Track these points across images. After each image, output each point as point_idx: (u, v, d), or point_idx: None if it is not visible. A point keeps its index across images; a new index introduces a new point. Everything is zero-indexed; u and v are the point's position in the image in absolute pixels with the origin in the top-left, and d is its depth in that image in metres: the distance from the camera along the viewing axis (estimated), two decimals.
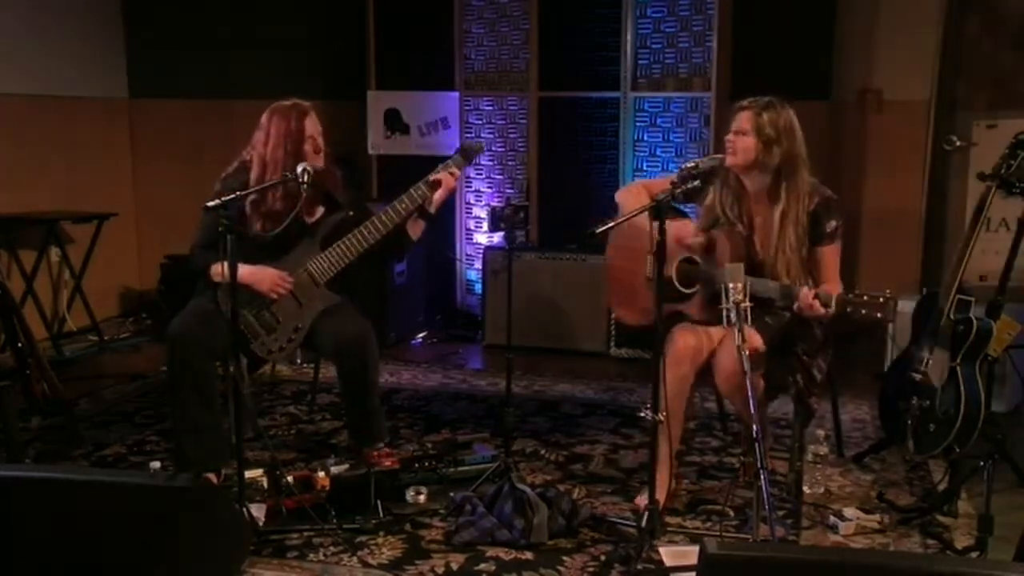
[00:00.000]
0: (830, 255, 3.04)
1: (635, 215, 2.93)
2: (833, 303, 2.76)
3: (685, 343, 3.02)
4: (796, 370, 3.03)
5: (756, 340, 2.82)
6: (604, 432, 3.86)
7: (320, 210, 3.32)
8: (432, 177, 3.28)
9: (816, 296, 2.79)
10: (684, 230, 3.14)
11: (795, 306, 2.85)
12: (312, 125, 3.23)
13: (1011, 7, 4.92)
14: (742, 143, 2.99)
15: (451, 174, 3.29)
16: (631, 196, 3.21)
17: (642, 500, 3.06)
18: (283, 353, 3.28)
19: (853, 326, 2.80)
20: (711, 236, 3.09)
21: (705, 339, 3.06)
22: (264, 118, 3.24)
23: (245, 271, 3.07)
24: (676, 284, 3.09)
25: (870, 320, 2.70)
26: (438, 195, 3.29)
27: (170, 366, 3.16)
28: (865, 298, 2.70)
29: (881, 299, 2.67)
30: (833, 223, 3.02)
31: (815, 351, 3.08)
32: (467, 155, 3.42)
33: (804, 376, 3.04)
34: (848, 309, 2.74)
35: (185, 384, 3.11)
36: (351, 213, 3.30)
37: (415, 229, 3.38)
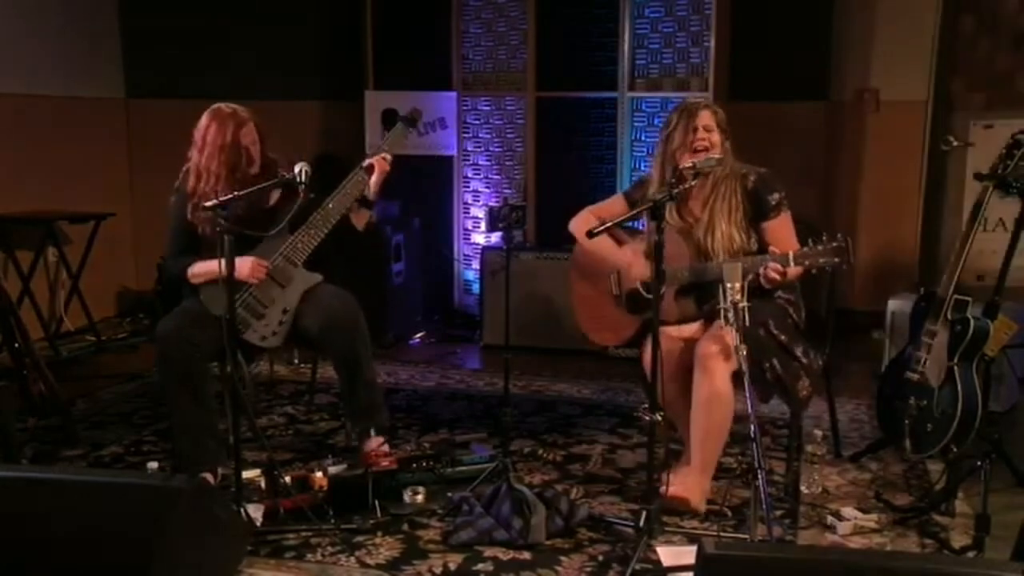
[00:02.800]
0: (780, 227, 3.06)
1: (634, 215, 2.95)
2: (791, 259, 2.82)
3: (663, 348, 2.99)
4: (772, 352, 3.00)
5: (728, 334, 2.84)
6: (602, 432, 3.86)
7: (276, 193, 3.32)
8: (366, 163, 3.33)
9: (771, 263, 2.85)
10: (635, 247, 3.25)
11: (760, 277, 2.88)
12: (247, 136, 3.24)
13: (1007, 7, 4.93)
14: (712, 139, 3.05)
15: (383, 158, 3.33)
16: (583, 222, 3.25)
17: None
18: (276, 338, 3.27)
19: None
20: (651, 242, 3.08)
21: (678, 341, 3.08)
22: (203, 121, 3.27)
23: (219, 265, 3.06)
24: (643, 292, 3.12)
25: (831, 266, 2.78)
26: (374, 180, 3.33)
27: (160, 367, 3.16)
28: (820, 247, 2.77)
29: (835, 244, 2.74)
30: (776, 195, 3.06)
31: (792, 332, 3.06)
32: (409, 123, 3.46)
33: (782, 357, 3.01)
34: (806, 262, 2.81)
35: (177, 385, 3.11)
36: (312, 195, 3.28)
37: (359, 220, 3.40)
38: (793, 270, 2.88)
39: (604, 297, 3.29)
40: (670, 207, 3.07)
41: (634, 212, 2.95)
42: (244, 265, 3.15)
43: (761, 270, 2.87)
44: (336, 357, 3.33)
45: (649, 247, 3.10)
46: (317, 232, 3.28)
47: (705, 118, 3.04)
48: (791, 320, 3.09)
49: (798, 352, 3.05)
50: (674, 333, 3.10)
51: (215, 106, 3.29)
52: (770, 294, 3.06)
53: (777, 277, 2.85)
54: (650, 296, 3.06)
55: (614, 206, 3.29)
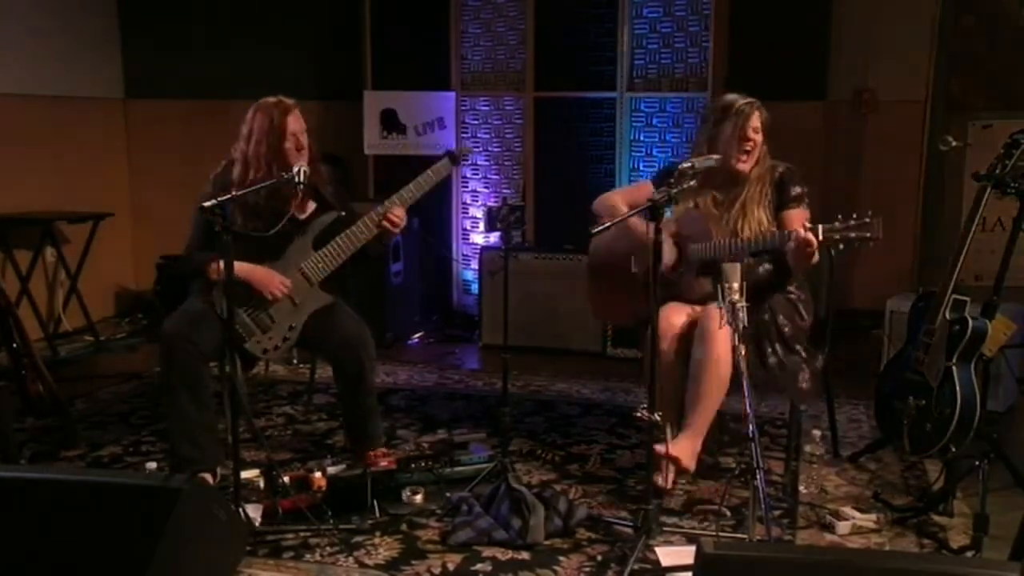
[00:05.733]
0: (798, 219, 3.13)
1: (632, 215, 2.95)
2: (820, 232, 2.85)
3: (670, 321, 3.10)
4: (775, 338, 3.11)
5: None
6: (601, 432, 3.87)
7: (311, 206, 3.34)
8: (382, 212, 3.26)
9: (805, 228, 2.89)
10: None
11: (790, 245, 2.95)
12: (295, 122, 3.23)
13: (1007, 7, 4.93)
14: (757, 140, 3.15)
15: (395, 220, 3.25)
16: (610, 204, 3.34)
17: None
18: (277, 352, 3.29)
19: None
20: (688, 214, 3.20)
21: (691, 316, 3.15)
22: (249, 114, 3.26)
23: (247, 269, 3.10)
24: (665, 273, 3.13)
25: (860, 240, 2.81)
26: (383, 235, 3.31)
27: (163, 366, 3.16)
28: (850, 223, 2.82)
29: (866, 219, 2.80)
30: (798, 188, 3.19)
31: (796, 328, 3.15)
32: (454, 159, 3.43)
33: (783, 348, 3.10)
34: (836, 236, 2.84)
35: (179, 385, 3.11)
36: (343, 213, 3.30)
37: (373, 252, 3.41)
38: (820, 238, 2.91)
39: (623, 275, 3.32)
40: (706, 198, 3.19)
41: (632, 211, 2.96)
42: (269, 280, 3.18)
43: (794, 234, 2.91)
44: (341, 378, 3.35)
45: (676, 227, 3.18)
46: (340, 254, 3.26)
47: (755, 120, 3.14)
48: (799, 317, 3.17)
49: (798, 347, 3.12)
50: (687, 309, 3.17)
51: (260, 100, 3.28)
52: (783, 289, 3.15)
53: (812, 240, 2.86)
54: (670, 277, 3.16)
55: (641, 191, 3.30)
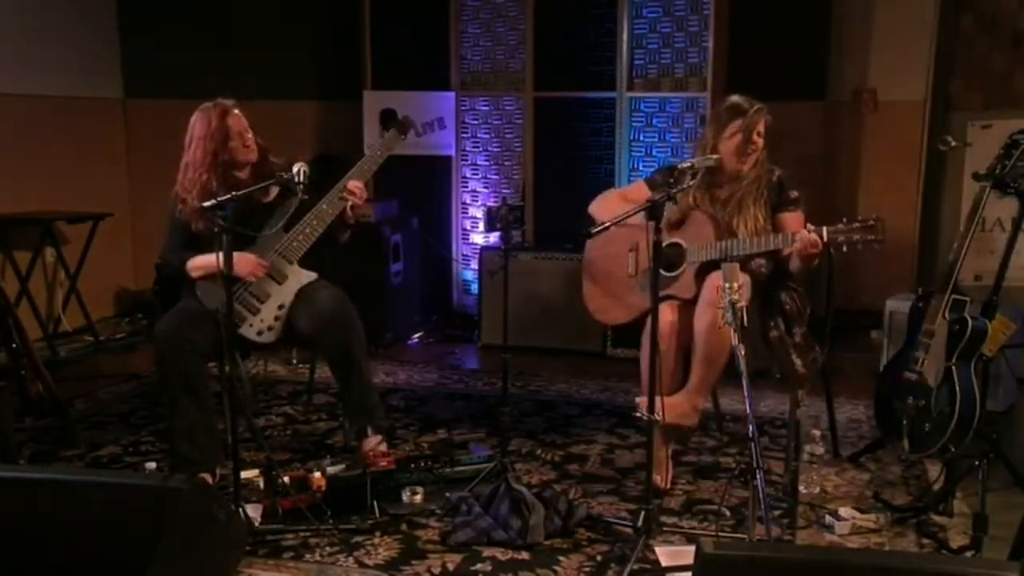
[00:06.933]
0: (795, 222, 3.20)
1: (632, 214, 2.95)
2: (824, 234, 2.92)
3: (666, 320, 3.12)
4: (777, 312, 3.18)
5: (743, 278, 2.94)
6: (600, 432, 3.87)
7: (274, 190, 3.35)
8: (341, 186, 3.33)
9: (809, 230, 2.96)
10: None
11: (796, 247, 3.00)
12: (236, 123, 3.28)
13: (1006, 7, 4.93)
14: (760, 144, 3.21)
15: (356, 190, 3.33)
16: (607, 206, 3.37)
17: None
18: (272, 333, 3.29)
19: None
20: (685, 212, 3.25)
21: (685, 317, 3.16)
22: (191, 121, 3.31)
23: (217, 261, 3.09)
24: (662, 272, 3.16)
25: (864, 243, 2.87)
26: (348, 208, 3.35)
27: (159, 367, 3.17)
28: (855, 225, 2.89)
29: (871, 222, 2.87)
30: (795, 192, 3.27)
31: (796, 312, 3.22)
32: (402, 128, 3.53)
33: (783, 326, 3.17)
34: (840, 238, 2.91)
35: (176, 385, 3.12)
36: (306, 197, 3.30)
37: (340, 236, 3.45)
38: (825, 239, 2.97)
39: (619, 276, 3.36)
40: (703, 193, 3.25)
41: (632, 210, 2.96)
42: (245, 263, 3.18)
43: (801, 235, 2.96)
44: (331, 357, 3.34)
45: (677, 218, 3.24)
46: (312, 231, 3.31)
47: (762, 125, 3.22)
48: (797, 304, 3.24)
49: (795, 330, 3.20)
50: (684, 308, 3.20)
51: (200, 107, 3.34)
52: (785, 285, 3.23)
53: (817, 241, 2.93)
54: (668, 274, 3.21)
55: (637, 192, 3.35)
